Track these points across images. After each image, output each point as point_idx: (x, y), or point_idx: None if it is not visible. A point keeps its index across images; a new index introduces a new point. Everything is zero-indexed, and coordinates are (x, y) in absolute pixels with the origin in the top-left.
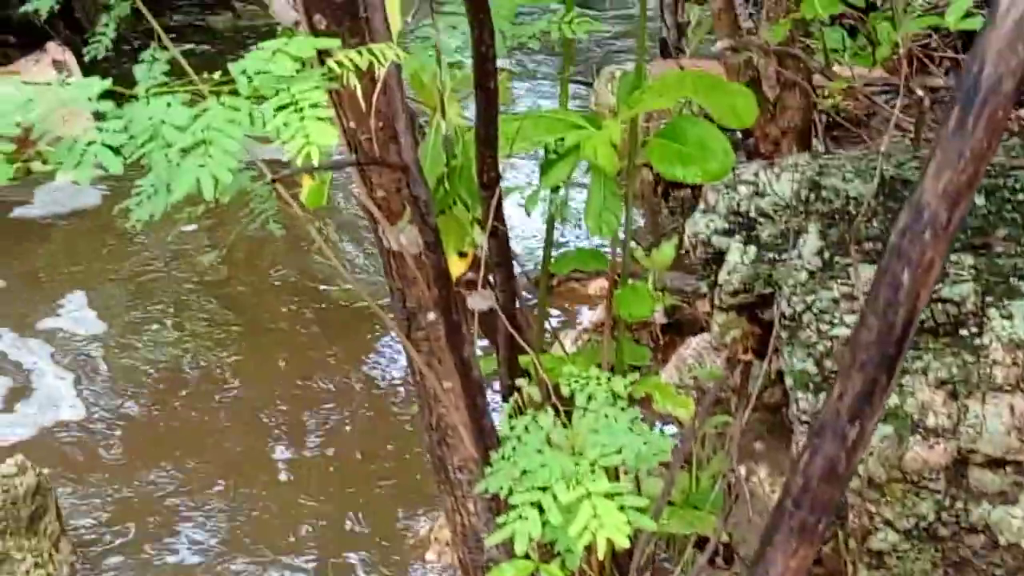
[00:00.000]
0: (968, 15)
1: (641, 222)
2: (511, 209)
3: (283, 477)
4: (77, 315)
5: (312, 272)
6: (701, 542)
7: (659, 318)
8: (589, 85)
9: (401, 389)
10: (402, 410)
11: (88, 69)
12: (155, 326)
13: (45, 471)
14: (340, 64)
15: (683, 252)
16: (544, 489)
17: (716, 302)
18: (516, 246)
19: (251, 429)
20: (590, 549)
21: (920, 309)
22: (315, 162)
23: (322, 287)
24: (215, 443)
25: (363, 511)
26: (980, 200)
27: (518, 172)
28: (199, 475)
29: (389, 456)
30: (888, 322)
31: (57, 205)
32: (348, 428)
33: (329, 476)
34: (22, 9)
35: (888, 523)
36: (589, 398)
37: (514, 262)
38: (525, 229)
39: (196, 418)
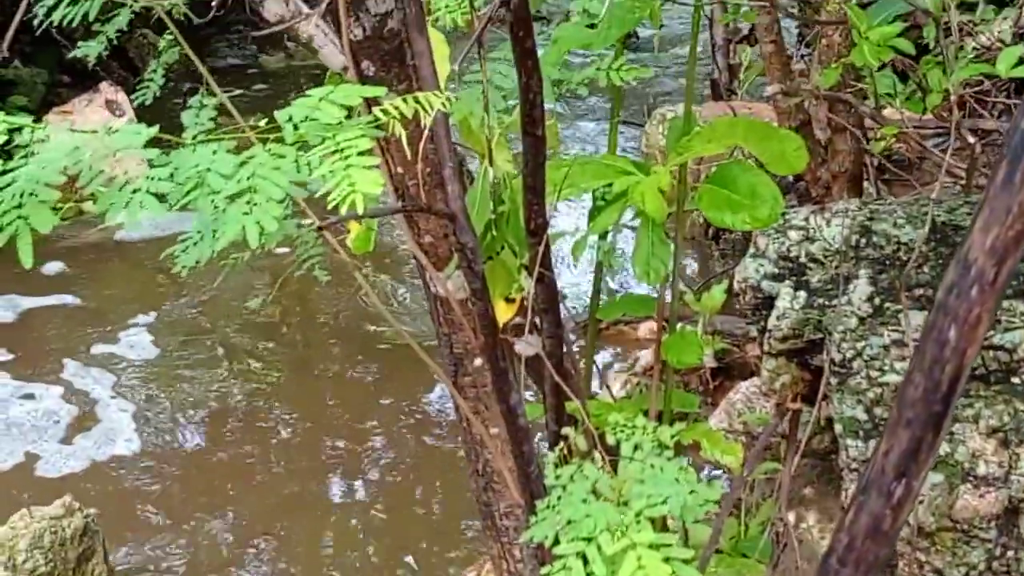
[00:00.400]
0: (1020, 62)
1: (691, 264)
2: (559, 253)
3: (331, 520)
4: (136, 342)
5: (363, 314)
6: None
7: (709, 362)
8: (640, 126)
9: (449, 433)
10: (450, 454)
11: (142, 108)
12: (207, 365)
13: (92, 511)
14: (386, 112)
15: (734, 295)
16: (589, 539)
17: (765, 347)
18: (564, 290)
19: (300, 471)
20: None
21: (967, 366)
22: (360, 210)
23: (372, 328)
24: (264, 485)
25: (411, 554)
26: None
27: (568, 214)
28: (247, 516)
29: (437, 500)
30: (934, 379)
31: (158, 229)
32: (396, 471)
33: (377, 518)
34: (73, 53)
35: (938, 572)
36: (635, 447)
37: (561, 307)
38: (573, 273)
39: (246, 459)
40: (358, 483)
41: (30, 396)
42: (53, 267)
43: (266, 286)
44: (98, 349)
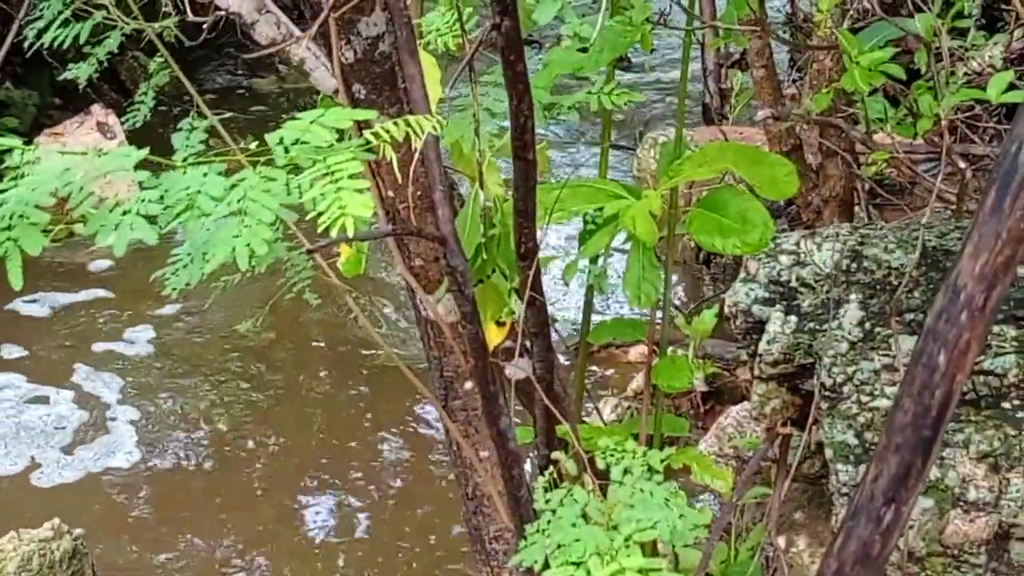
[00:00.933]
0: (1010, 88)
1: (682, 288)
2: (550, 277)
3: (319, 541)
4: (127, 360)
5: (352, 337)
6: None
7: (700, 386)
8: (632, 150)
9: (438, 457)
10: (439, 477)
11: (133, 131)
12: (194, 391)
13: (79, 531)
14: (377, 135)
15: (724, 319)
16: (578, 564)
17: (756, 372)
18: (554, 313)
19: (289, 493)
20: None
21: (957, 392)
22: (350, 233)
23: (362, 351)
24: (252, 510)
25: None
26: (1022, 271)
27: (558, 237)
28: (236, 537)
29: (425, 524)
30: (924, 405)
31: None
32: (385, 495)
33: (365, 543)
34: (64, 75)
35: None
36: (625, 471)
37: (552, 330)
38: (564, 296)
39: (234, 480)
40: (345, 505)
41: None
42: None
43: (257, 308)
44: (103, 349)
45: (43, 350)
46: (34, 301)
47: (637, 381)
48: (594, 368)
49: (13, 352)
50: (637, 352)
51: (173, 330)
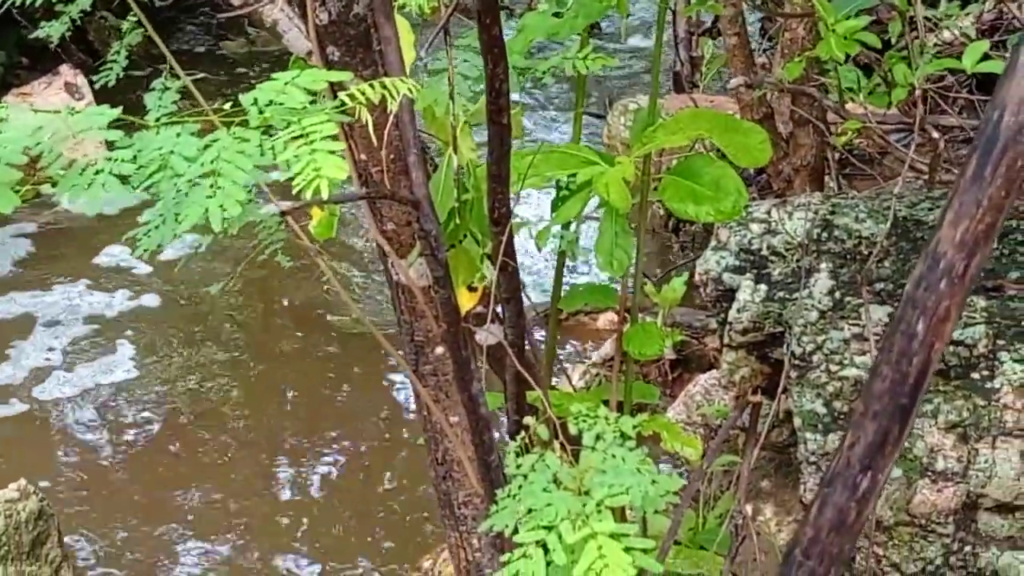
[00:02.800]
0: (985, 57)
1: (651, 256)
2: (521, 243)
3: (288, 507)
4: (94, 324)
5: (322, 302)
6: None
7: (668, 354)
8: (602, 117)
9: (409, 420)
10: (409, 442)
11: (101, 92)
12: (164, 352)
13: (44, 498)
14: (352, 97)
15: (694, 287)
16: (550, 528)
17: (726, 340)
18: (526, 280)
19: (257, 458)
20: None
21: (935, 360)
22: (324, 195)
23: (331, 317)
24: (220, 471)
25: (367, 543)
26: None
27: (530, 205)
28: (203, 503)
29: (395, 488)
30: (902, 372)
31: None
32: (354, 459)
33: (334, 507)
34: (35, 34)
35: (895, 567)
36: (597, 437)
37: (523, 297)
38: (535, 263)
39: (202, 446)
40: (314, 470)
41: None
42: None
43: (226, 274)
44: (49, 328)
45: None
46: None
47: (605, 348)
48: (563, 337)
49: None
50: (606, 320)
51: (143, 293)
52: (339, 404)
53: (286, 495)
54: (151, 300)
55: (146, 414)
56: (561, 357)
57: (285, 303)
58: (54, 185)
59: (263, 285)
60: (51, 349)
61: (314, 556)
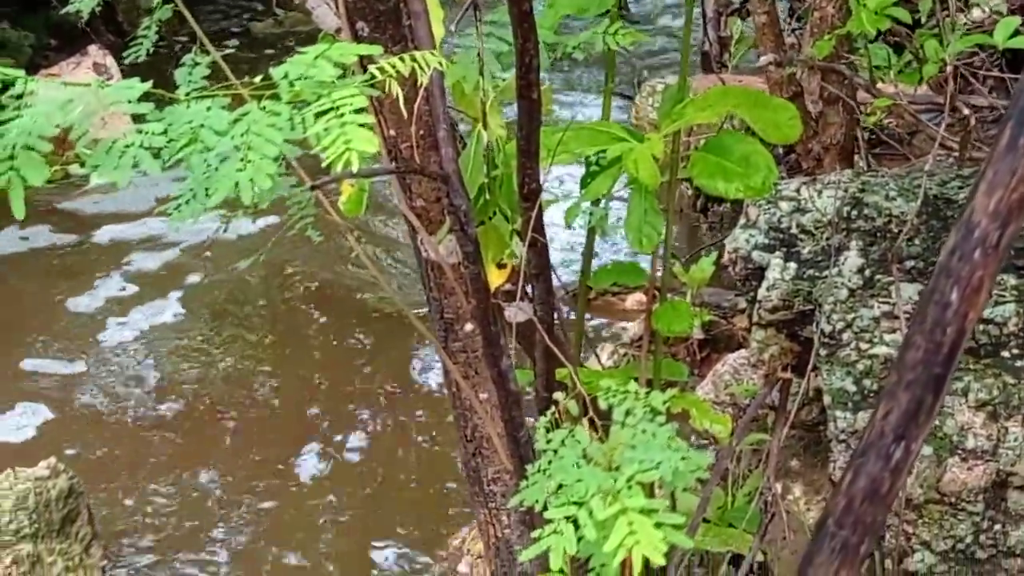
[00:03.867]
0: (1016, 33)
1: (680, 237)
2: (551, 221)
3: (316, 486)
4: (112, 317)
5: (349, 283)
6: (736, 560)
7: (696, 334)
8: (630, 98)
9: (437, 399)
10: (438, 421)
11: (129, 73)
12: (192, 331)
13: (74, 476)
14: (382, 71)
15: (722, 268)
16: (580, 504)
17: (755, 318)
18: (555, 258)
19: (285, 437)
20: (625, 566)
21: (968, 329)
22: (354, 168)
23: (359, 296)
24: (248, 450)
25: (396, 521)
26: None
27: (560, 183)
28: (231, 482)
29: (424, 466)
30: (935, 342)
31: None
32: (383, 438)
33: (362, 485)
34: (64, 10)
35: (925, 544)
36: (627, 413)
37: (553, 275)
38: (564, 242)
39: (230, 425)
40: (342, 449)
41: None
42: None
43: (255, 250)
44: (85, 314)
45: (33, 288)
46: (24, 239)
47: (634, 328)
48: (592, 317)
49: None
50: (634, 300)
51: (172, 271)
52: (367, 382)
53: (314, 473)
54: (180, 278)
55: (174, 393)
56: (591, 336)
57: (314, 285)
58: (82, 165)
59: (291, 266)
60: (79, 325)
61: (342, 535)
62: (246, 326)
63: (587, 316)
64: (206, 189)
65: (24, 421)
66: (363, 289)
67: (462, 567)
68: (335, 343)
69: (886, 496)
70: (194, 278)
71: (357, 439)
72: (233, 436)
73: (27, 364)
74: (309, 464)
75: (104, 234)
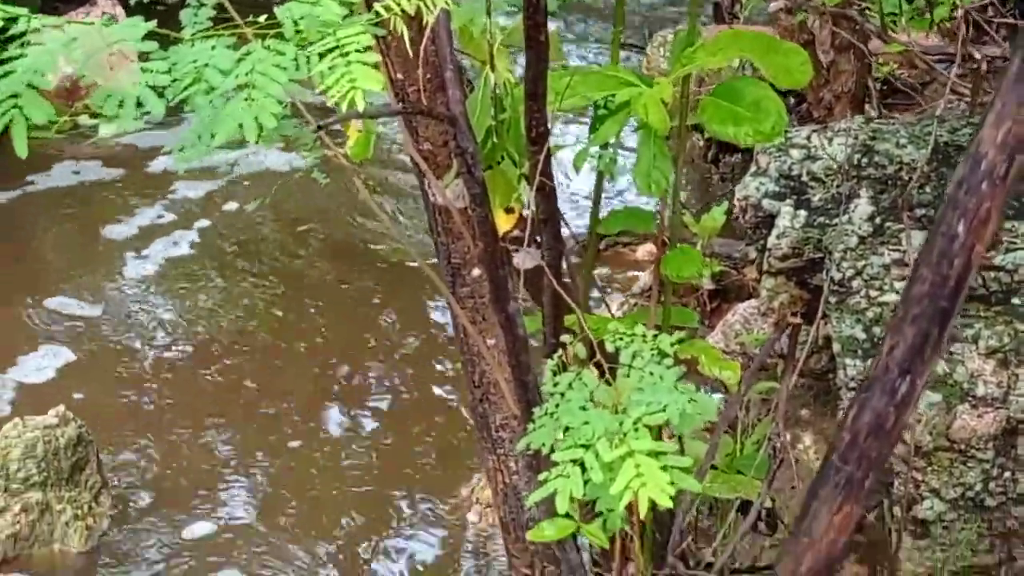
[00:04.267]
0: None
1: (691, 188)
2: (561, 169)
3: (325, 436)
4: (134, 263)
5: (357, 232)
6: (744, 507)
7: (707, 284)
8: (641, 49)
9: (447, 348)
10: (447, 370)
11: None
12: (203, 282)
13: (83, 424)
14: (388, 8)
15: (732, 218)
16: (587, 447)
17: (765, 266)
18: (564, 207)
19: (294, 388)
20: (631, 509)
21: (976, 263)
22: (360, 107)
23: (368, 245)
24: (257, 401)
25: (406, 471)
26: None
27: (568, 130)
28: (240, 433)
29: (434, 416)
30: (942, 274)
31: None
32: (392, 387)
33: (372, 435)
34: None
35: (935, 492)
36: (634, 355)
37: (561, 223)
38: (573, 190)
39: (240, 375)
40: (352, 399)
41: None
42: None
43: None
44: (92, 266)
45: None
46: (31, 183)
47: (644, 279)
48: (602, 268)
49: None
50: (644, 250)
51: (183, 220)
52: (376, 332)
53: (323, 424)
54: (190, 230)
55: (184, 343)
56: (601, 287)
57: (321, 235)
58: (93, 116)
59: (297, 215)
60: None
61: (350, 484)
62: (257, 276)
63: (598, 267)
64: (211, 129)
65: (45, 363)
66: (375, 239)
67: (471, 516)
68: (346, 293)
69: (891, 431)
70: (204, 229)
71: (367, 388)
72: (243, 387)
73: (53, 303)
74: (325, 415)
75: (159, 164)
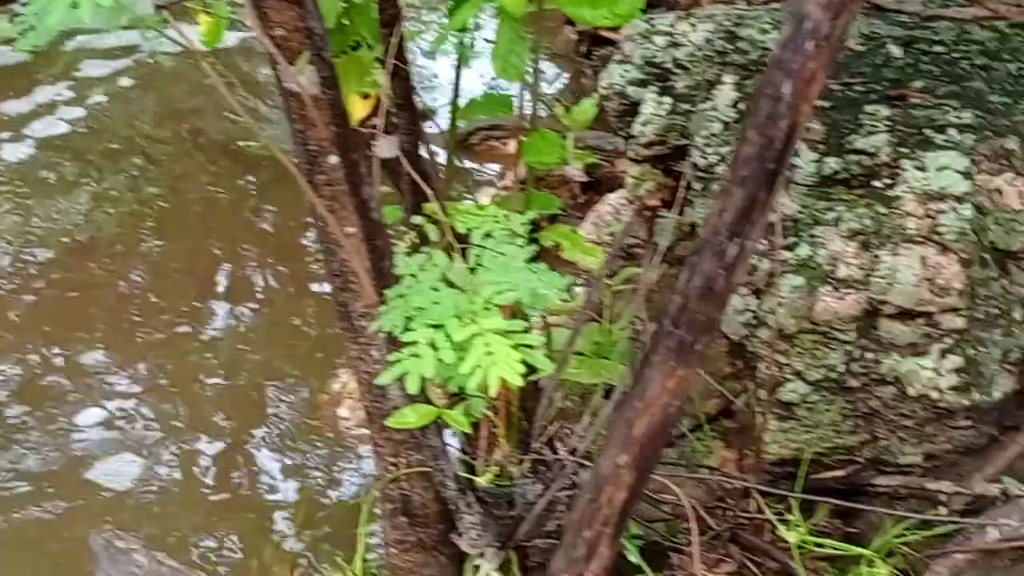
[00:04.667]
0: None
1: (564, 81)
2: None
3: (200, 335)
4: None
5: (229, 131)
6: (610, 392)
7: (578, 176)
8: None
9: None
10: (321, 268)
11: None
12: (70, 186)
13: None
14: None
15: (605, 111)
16: (438, 327)
17: (630, 154)
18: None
19: (169, 288)
20: (497, 396)
21: (802, 124)
22: None
23: (240, 143)
24: (132, 304)
25: (278, 369)
26: (897, 51)
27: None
28: (114, 336)
29: (309, 313)
30: (768, 136)
31: None
32: (267, 286)
33: (246, 333)
34: None
35: (798, 374)
36: (486, 235)
37: (426, 114)
38: (436, 83)
39: (114, 279)
40: (227, 298)
41: None
42: None
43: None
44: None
45: None
46: None
47: (517, 172)
48: (473, 162)
49: None
50: (516, 144)
51: (51, 121)
52: (251, 230)
53: (198, 320)
54: (56, 128)
55: (53, 247)
56: (473, 181)
57: (189, 133)
58: None
59: (167, 117)
60: None
61: (225, 380)
62: (131, 175)
63: (469, 161)
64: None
65: None
66: (246, 136)
67: (342, 410)
68: (222, 191)
69: (720, 293)
70: (73, 128)
71: (242, 287)
72: (119, 285)
73: None
74: (194, 314)
75: (74, 43)
